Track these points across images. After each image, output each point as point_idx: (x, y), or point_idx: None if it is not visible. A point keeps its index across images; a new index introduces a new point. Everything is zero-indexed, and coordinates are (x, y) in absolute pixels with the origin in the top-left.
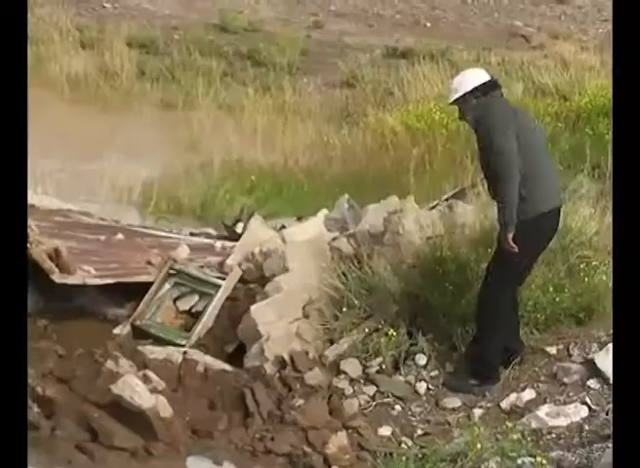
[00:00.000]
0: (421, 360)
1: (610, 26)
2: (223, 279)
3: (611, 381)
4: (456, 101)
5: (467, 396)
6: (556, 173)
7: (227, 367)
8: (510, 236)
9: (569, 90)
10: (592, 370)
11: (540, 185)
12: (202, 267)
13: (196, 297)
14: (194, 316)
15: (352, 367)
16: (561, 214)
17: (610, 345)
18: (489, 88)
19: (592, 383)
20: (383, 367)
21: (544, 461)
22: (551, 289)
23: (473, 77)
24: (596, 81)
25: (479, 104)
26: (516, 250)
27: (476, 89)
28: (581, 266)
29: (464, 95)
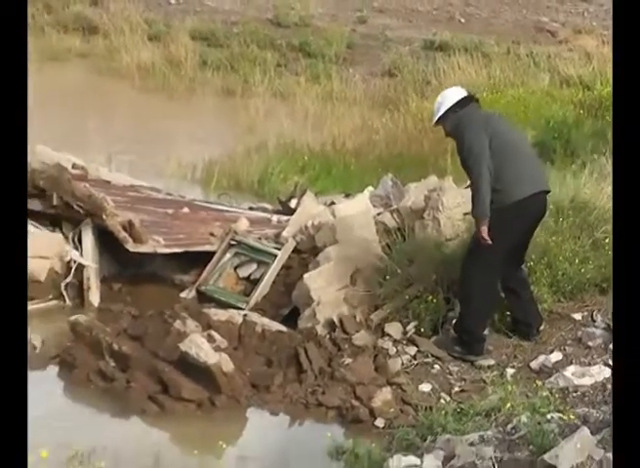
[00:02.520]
0: (453, 330)
1: None
2: (279, 249)
3: None
4: (438, 121)
5: (501, 356)
6: (537, 164)
7: (283, 328)
8: (485, 229)
9: (591, 80)
10: None
11: (515, 177)
12: (260, 238)
13: (254, 266)
14: (253, 282)
15: (395, 329)
16: (547, 199)
17: None
18: (465, 102)
19: None
20: (423, 329)
21: (572, 417)
22: (577, 261)
23: (451, 96)
24: None
25: (456, 117)
26: (489, 242)
27: (454, 105)
28: (605, 241)
29: (445, 112)
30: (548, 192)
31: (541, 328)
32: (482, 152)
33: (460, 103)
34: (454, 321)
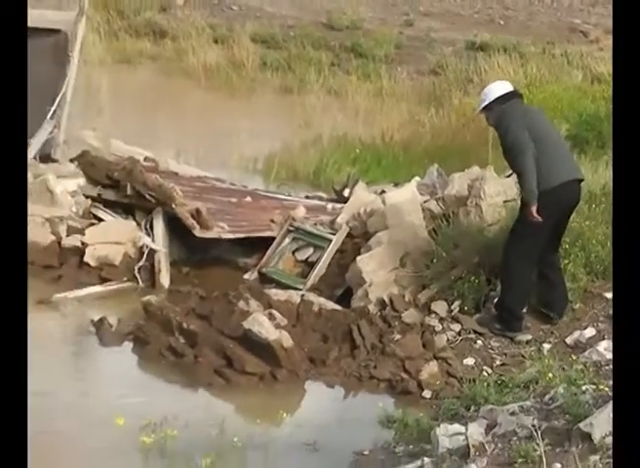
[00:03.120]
0: (495, 308)
1: None
2: (334, 234)
3: None
4: (482, 110)
5: (538, 332)
6: (570, 155)
7: (337, 307)
8: (534, 209)
9: None
10: None
11: (551, 166)
12: (316, 225)
13: (311, 250)
14: (309, 265)
15: (441, 307)
16: (581, 187)
17: None
18: (509, 97)
19: None
20: (466, 308)
21: (605, 388)
22: (609, 244)
23: (497, 89)
24: None
25: (500, 109)
26: (540, 219)
27: (498, 98)
28: None
29: (489, 103)
30: (582, 180)
31: (566, 312)
32: (526, 142)
33: (505, 97)
34: (495, 300)
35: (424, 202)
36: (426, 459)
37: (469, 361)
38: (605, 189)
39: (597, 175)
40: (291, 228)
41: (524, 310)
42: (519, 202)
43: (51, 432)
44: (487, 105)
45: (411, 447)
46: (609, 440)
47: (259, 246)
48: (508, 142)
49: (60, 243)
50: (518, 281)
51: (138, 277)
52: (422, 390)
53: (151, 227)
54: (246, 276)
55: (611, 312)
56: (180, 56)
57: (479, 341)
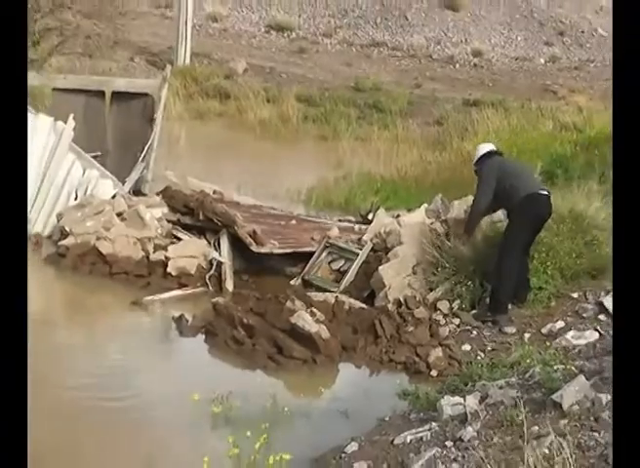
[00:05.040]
0: (488, 300)
1: (609, 84)
2: (360, 249)
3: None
4: (475, 164)
5: (520, 324)
6: (538, 180)
7: (364, 305)
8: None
9: (583, 125)
10: (601, 308)
11: (524, 183)
12: (346, 242)
13: (343, 261)
14: (341, 273)
15: (444, 306)
16: (551, 201)
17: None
18: (490, 154)
19: (601, 317)
20: (464, 306)
21: (572, 368)
22: (574, 255)
23: (482, 149)
24: (600, 119)
25: (482, 163)
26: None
27: (483, 155)
28: (594, 241)
29: (478, 159)
30: (548, 195)
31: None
32: (485, 192)
33: (487, 154)
34: (487, 299)
35: (431, 223)
36: (434, 424)
37: (466, 347)
38: (571, 212)
39: (565, 201)
40: (327, 244)
41: (509, 306)
42: (505, 222)
43: (140, 404)
44: (476, 161)
45: (422, 414)
46: (575, 408)
47: (302, 258)
48: (477, 185)
49: (148, 257)
50: (508, 273)
51: (208, 283)
52: (430, 370)
53: (219, 245)
54: (292, 282)
55: (576, 308)
56: (241, 113)
57: (474, 332)
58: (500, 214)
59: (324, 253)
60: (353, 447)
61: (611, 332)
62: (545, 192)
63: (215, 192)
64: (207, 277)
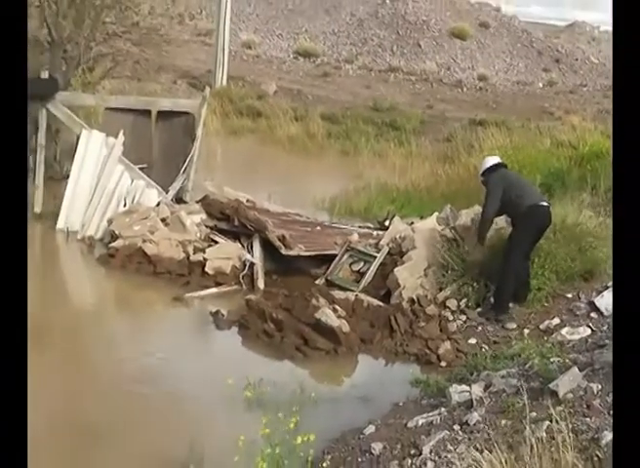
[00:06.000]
0: (492, 300)
1: (602, 106)
2: (378, 252)
3: (604, 313)
4: (482, 175)
5: (521, 321)
6: (539, 192)
7: (380, 303)
8: (482, 230)
9: (576, 143)
10: (593, 307)
11: (527, 195)
12: (365, 246)
13: (362, 263)
14: (361, 274)
15: (453, 304)
16: (551, 212)
17: (603, 292)
18: (496, 166)
19: (593, 315)
20: (470, 304)
21: (567, 360)
22: (569, 260)
23: (489, 161)
24: (592, 138)
25: (489, 174)
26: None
27: (489, 167)
28: (587, 247)
29: (485, 170)
30: (548, 206)
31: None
32: (493, 201)
33: (492, 167)
34: (491, 298)
35: (441, 230)
36: (443, 409)
37: (472, 341)
38: (565, 222)
39: (561, 210)
40: (348, 248)
41: (510, 304)
42: (508, 229)
43: (180, 389)
44: (482, 173)
45: (432, 400)
46: (569, 395)
47: (325, 260)
48: (485, 194)
49: (188, 258)
50: (510, 278)
51: (242, 282)
52: (440, 361)
53: (251, 247)
54: (317, 281)
55: (570, 306)
56: (271, 129)
57: (479, 327)
58: (504, 222)
59: (345, 256)
60: (371, 429)
61: (602, 328)
62: (546, 203)
63: (248, 200)
64: (241, 276)
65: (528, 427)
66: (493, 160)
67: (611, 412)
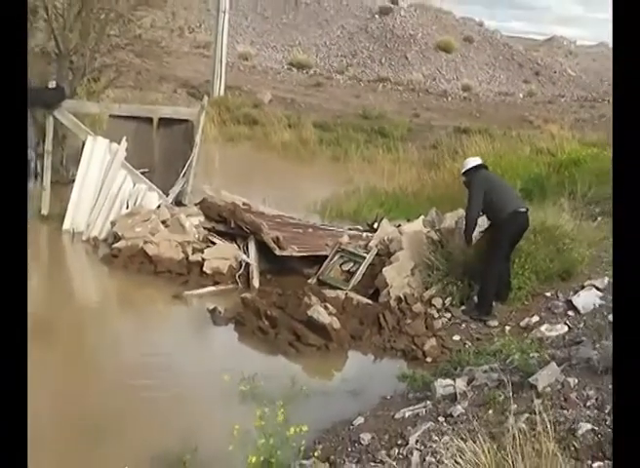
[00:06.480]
0: (476, 299)
1: (579, 115)
2: (367, 253)
3: (580, 311)
4: (462, 175)
5: (502, 318)
6: (519, 197)
7: (369, 301)
8: (471, 236)
9: (555, 150)
10: (570, 305)
11: (508, 200)
12: (355, 247)
13: (352, 263)
14: (351, 274)
15: (438, 302)
16: (529, 216)
17: (580, 292)
18: (478, 167)
19: (570, 313)
20: (454, 302)
21: (545, 355)
22: (548, 260)
23: (471, 162)
24: (570, 145)
25: (471, 175)
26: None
27: (471, 168)
28: (564, 248)
29: (466, 170)
30: (527, 211)
31: (508, 300)
32: (477, 201)
33: (474, 167)
34: (475, 297)
35: (427, 232)
36: (428, 402)
37: (456, 337)
38: (544, 224)
39: (540, 215)
40: (339, 249)
41: (493, 304)
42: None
43: (179, 382)
44: (464, 172)
45: (418, 393)
46: (548, 389)
47: (317, 261)
48: (469, 195)
49: (187, 258)
50: (492, 279)
51: (238, 281)
52: (426, 357)
53: (247, 248)
54: (309, 281)
55: (549, 305)
56: (266, 136)
57: (463, 325)
58: (485, 223)
59: (336, 257)
60: (360, 420)
61: (578, 326)
62: (524, 209)
63: (244, 204)
64: (237, 276)
65: (510, 418)
66: (475, 161)
67: (587, 404)
